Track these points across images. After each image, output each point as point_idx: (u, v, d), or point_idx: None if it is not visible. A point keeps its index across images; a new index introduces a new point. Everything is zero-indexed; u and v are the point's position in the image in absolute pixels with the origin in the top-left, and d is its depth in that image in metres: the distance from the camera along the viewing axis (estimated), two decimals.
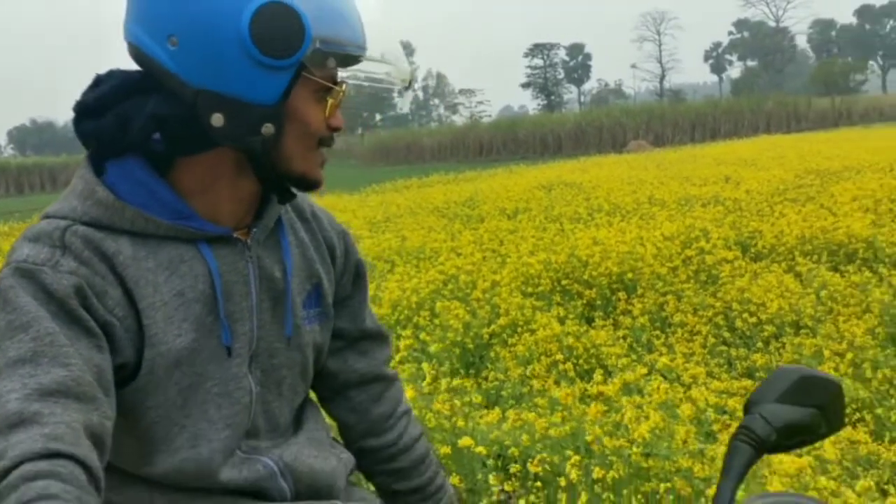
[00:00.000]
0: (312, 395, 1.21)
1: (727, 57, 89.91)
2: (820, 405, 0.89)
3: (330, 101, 0.96)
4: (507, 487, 2.88)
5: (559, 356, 4.25)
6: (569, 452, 2.74)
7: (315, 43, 0.90)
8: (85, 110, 0.96)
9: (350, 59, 0.98)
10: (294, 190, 1.03)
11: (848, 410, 3.56)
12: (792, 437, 0.88)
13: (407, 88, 1.06)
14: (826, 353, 4.00)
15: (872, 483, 2.41)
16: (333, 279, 1.13)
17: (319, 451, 1.10)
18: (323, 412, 1.20)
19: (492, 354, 4.63)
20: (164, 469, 0.97)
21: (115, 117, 0.93)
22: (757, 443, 0.85)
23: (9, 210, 25.36)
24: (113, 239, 0.92)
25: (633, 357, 4.34)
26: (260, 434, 1.04)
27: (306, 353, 1.08)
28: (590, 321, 5.14)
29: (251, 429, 1.03)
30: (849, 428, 3.39)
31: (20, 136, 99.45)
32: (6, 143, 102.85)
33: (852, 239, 6.06)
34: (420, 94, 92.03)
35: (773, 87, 66.69)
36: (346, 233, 1.17)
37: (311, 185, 1.00)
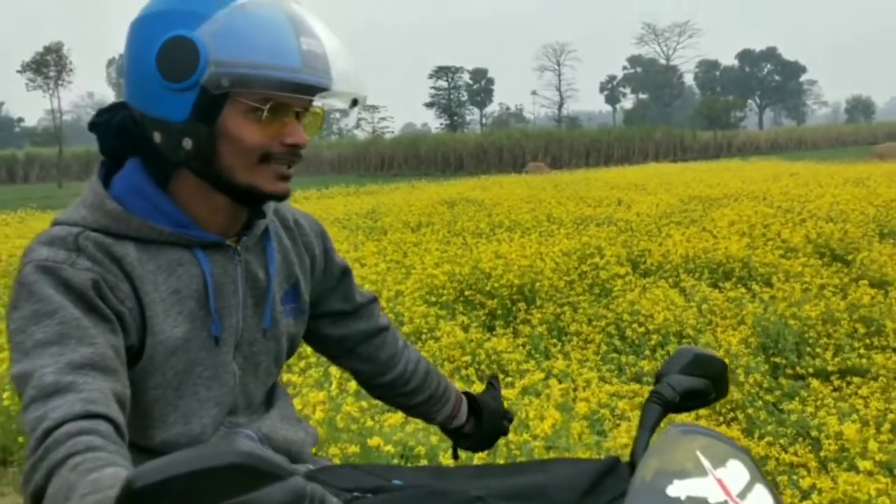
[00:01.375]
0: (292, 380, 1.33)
1: (621, 89, 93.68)
2: (711, 377, 1.16)
3: (284, 119, 1.05)
4: None
5: (464, 360, 4.43)
6: None
7: (211, 67, 1.00)
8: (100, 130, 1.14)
9: (259, 81, 1.01)
10: (264, 202, 1.16)
11: (723, 410, 3.91)
12: (690, 401, 1.15)
13: (353, 106, 1.15)
14: None
15: None
16: (310, 279, 1.29)
17: (290, 425, 1.25)
18: (289, 393, 1.36)
19: None
20: (160, 441, 1.09)
21: (116, 131, 1.11)
22: (664, 404, 1.09)
23: None
24: (120, 244, 1.05)
25: (532, 363, 4.57)
26: (238, 411, 1.18)
27: (281, 342, 1.23)
28: (491, 329, 5.34)
29: (232, 406, 1.17)
30: (724, 426, 3.72)
31: None
32: None
33: (730, 259, 6.54)
34: None
35: (662, 119, 70.07)
36: (324, 234, 1.33)
37: (262, 196, 1.09)
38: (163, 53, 1.02)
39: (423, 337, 4.88)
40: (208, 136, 1.04)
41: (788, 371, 4.43)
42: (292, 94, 1.03)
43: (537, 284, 5.85)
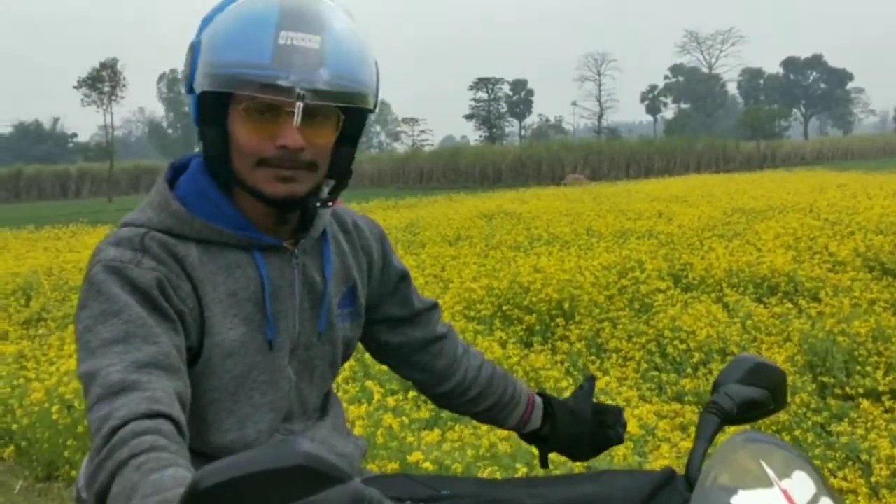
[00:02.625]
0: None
1: (662, 99, 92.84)
2: (770, 387, 1.12)
3: (278, 120, 1.02)
4: None
5: None
6: (517, 465, 2.85)
7: (199, 69, 1.03)
8: None
9: (231, 80, 1.01)
10: (327, 203, 1.14)
11: (769, 431, 3.79)
12: (748, 412, 1.10)
13: (369, 111, 1.10)
14: None
15: None
16: (367, 282, 1.28)
17: (341, 437, 1.24)
18: (342, 403, 1.34)
19: None
20: (214, 446, 1.09)
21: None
22: (722, 415, 1.06)
23: None
24: (183, 245, 1.06)
25: (570, 381, 4.50)
26: (294, 417, 1.17)
27: (337, 346, 1.22)
28: (529, 345, 5.29)
29: (287, 413, 1.16)
30: None
31: None
32: None
33: (775, 273, 6.40)
34: None
35: (704, 129, 69.14)
36: (383, 237, 1.31)
37: (265, 200, 1.07)
38: (183, 61, 1.07)
39: None
40: (218, 139, 1.06)
41: (837, 391, 4.29)
42: (256, 94, 1.00)
43: (576, 299, 5.79)
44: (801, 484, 0.86)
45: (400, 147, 77.33)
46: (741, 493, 0.81)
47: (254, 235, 1.10)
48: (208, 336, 1.06)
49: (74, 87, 48.24)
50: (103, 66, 47.61)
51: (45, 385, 4.27)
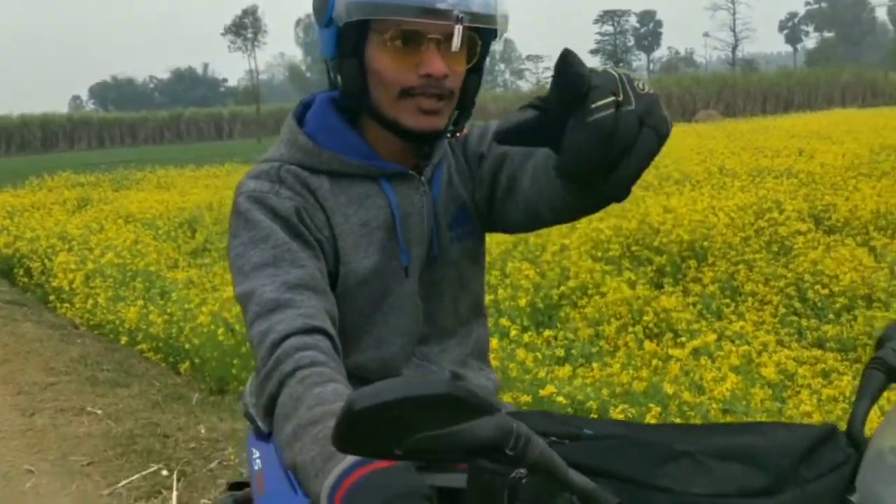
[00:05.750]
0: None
1: (803, 27, 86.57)
2: None
3: (421, 48, 1.03)
4: None
5: (630, 318, 4.37)
6: (650, 405, 2.86)
7: (339, 1, 1.03)
8: None
9: (380, 7, 1.00)
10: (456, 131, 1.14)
11: None
12: None
13: (496, 37, 1.09)
14: None
15: None
16: (473, 189, 1.22)
17: (475, 370, 1.25)
18: (488, 328, 1.33)
19: (561, 315, 4.75)
20: (353, 363, 1.12)
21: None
22: (888, 371, 0.98)
23: (92, 162, 26.48)
24: (315, 177, 1.12)
25: (704, 324, 4.41)
26: (429, 340, 1.20)
27: (460, 266, 1.22)
28: (659, 287, 5.20)
29: (422, 336, 1.19)
30: None
31: (101, 92, 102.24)
32: (88, 98, 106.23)
33: None
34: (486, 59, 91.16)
35: (850, 60, 64.00)
36: (485, 126, 1.24)
37: (403, 132, 1.08)
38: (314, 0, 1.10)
39: (590, 292, 4.84)
40: (357, 71, 1.07)
41: None
42: (414, 19, 0.99)
43: (709, 241, 5.63)
44: None
45: (524, 85, 76.23)
46: None
47: (379, 164, 1.13)
48: (343, 264, 1.11)
49: (221, 35, 50.65)
50: (245, 13, 49.67)
51: (211, 309, 4.66)
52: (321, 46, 1.12)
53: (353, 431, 0.61)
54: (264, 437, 1.42)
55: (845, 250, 5.29)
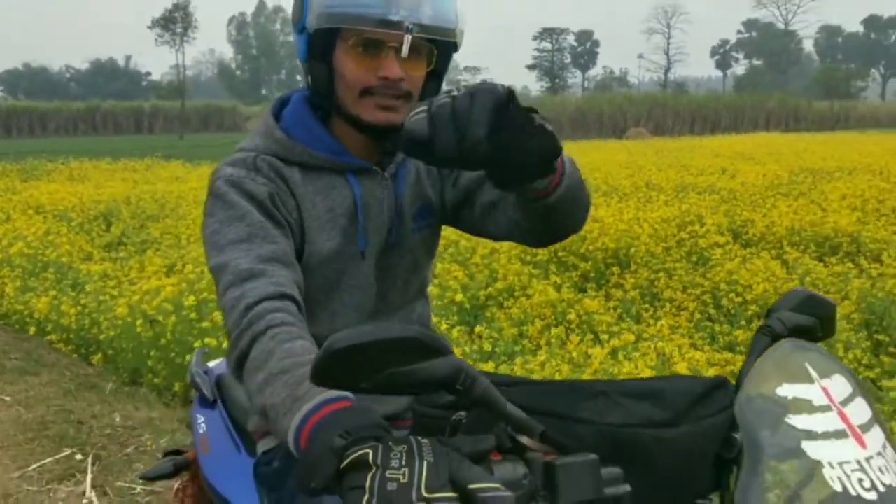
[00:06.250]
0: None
1: (733, 54, 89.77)
2: (819, 316, 1.19)
3: (381, 54, 1.16)
4: None
5: (553, 319, 4.48)
6: None
7: (312, 9, 1.17)
8: None
9: (345, 17, 1.15)
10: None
11: None
12: (798, 336, 1.17)
13: (455, 50, 1.25)
14: None
15: None
16: (440, 187, 1.38)
17: None
18: (430, 306, 1.47)
19: (487, 315, 4.83)
20: (310, 333, 1.23)
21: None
22: (773, 336, 1.13)
23: None
24: (288, 167, 1.25)
25: (624, 325, 4.55)
26: (378, 315, 1.33)
27: (415, 253, 1.36)
28: (583, 291, 5.34)
29: (373, 312, 1.32)
30: None
31: (11, 80, 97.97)
32: None
33: (838, 233, 6.28)
34: None
35: (776, 87, 66.65)
36: None
37: (364, 126, 1.22)
38: (292, 5, 1.23)
39: (516, 294, 4.94)
40: (325, 73, 1.21)
41: (892, 349, 4.27)
42: (369, 28, 1.13)
43: (633, 249, 5.80)
44: (840, 384, 0.94)
45: None
46: (785, 385, 0.91)
47: (346, 159, 1.26)
48: (308, 244, 1.24)
49: (148, 27, 49.43)
50: (176, 7, 48.57)
51: (129, 301, 4.58)
52: (297, 50, 1.24)
53: (330, 367, 0.72)
54: (209, 404, 1.61)
55: (760, 262, 5.52)
